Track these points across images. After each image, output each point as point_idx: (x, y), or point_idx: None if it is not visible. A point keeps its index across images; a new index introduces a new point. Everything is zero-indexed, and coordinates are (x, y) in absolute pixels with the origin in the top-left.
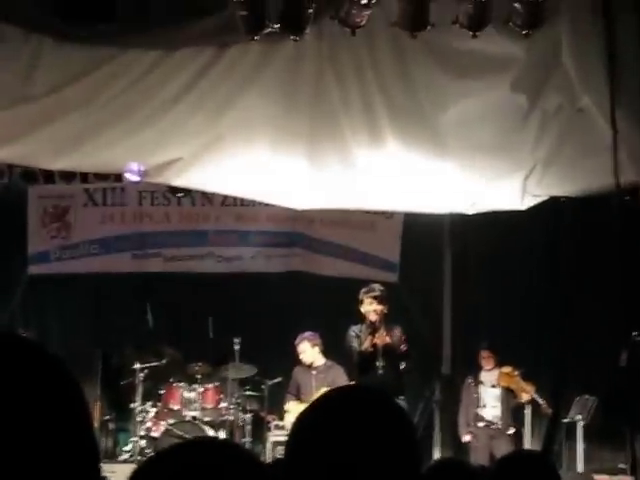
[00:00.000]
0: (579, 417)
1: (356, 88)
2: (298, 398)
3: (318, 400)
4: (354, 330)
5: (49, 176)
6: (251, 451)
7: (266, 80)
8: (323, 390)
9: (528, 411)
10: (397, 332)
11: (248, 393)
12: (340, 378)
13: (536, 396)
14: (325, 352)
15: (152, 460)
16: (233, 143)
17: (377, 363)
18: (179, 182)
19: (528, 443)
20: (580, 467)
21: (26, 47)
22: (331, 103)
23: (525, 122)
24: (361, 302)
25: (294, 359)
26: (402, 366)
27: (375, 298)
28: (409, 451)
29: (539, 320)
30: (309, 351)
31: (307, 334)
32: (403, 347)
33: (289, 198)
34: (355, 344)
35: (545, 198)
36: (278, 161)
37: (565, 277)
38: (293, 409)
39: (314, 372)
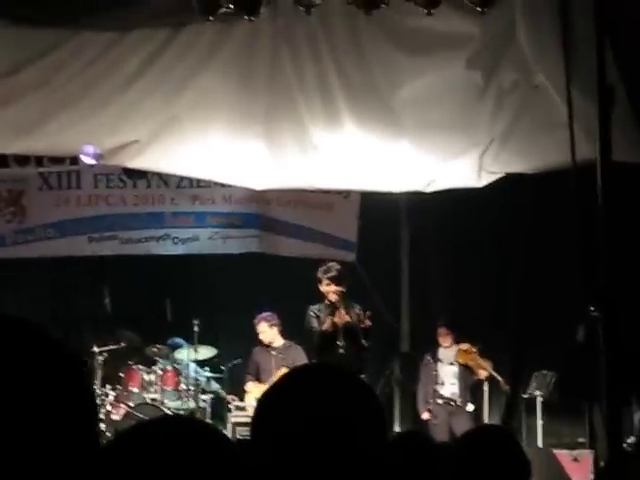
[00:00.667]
0: (538, 392)
1: (312, 67)
2: (257, 379)
3: (280, 379)
4: (313, 310)
5: (3, 160)
6: (217, 428)
7: (221, 61)
8: (283, 371)
9: (486, 388)
10: (357, 309)
11: (208, 374)
12: (300, 358)
13: (494, 373)
14: (284, 332)
15: (124, 436)
16: (189, 124)
17: (338, 342)
18: (135, 164)
19: (487, 419)
20: (539, 442)
21: None
22: (287, 83)
23: (481, 99)
24: (319, 282)
25: (254, 340)
26: (364, 342)
27: (332, 279)
28: (376, 422)
29: (497, 296)
30: (267, 331)
31: (265, 314)
32: (367, 322)
33: (246, 179)
34: (315, 324)
35: (502, 175)
36: (235, 141)
37: (522, 254)
38: (253, 390)
39: (273, 352)
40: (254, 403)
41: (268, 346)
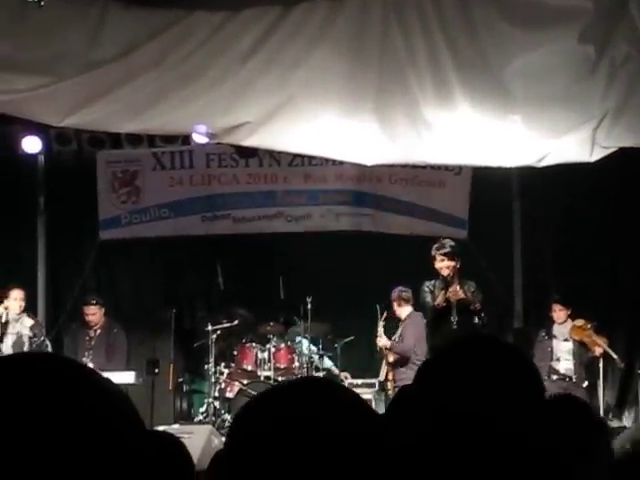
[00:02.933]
0: None
1: (422, 42)
2: None
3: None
4: (427, 286)
5: (116, 141)
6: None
7: (333, 37)
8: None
9: (601, 364)
10: (471, 287)
11: (321, 352)
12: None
13: (609, 349)
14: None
15: (257, 400)
16: (302, 103)
17: (451, 318)
18: (248, 143)
19: (601, 396)
20: None
21: (92, 10)
22: (398, 58)
23: (593, 73)
24: (433, 259)
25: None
26: (477, 321)
27: (446, 255)
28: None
29: (611, 272)
30: (401, 308)
31: (399, 289)
32: (477, 305)
33: (358, 155)
34: (429, 299)
35: (614, 149)
36: (347, 118)
37: (637, 229)
38: None
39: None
40: None
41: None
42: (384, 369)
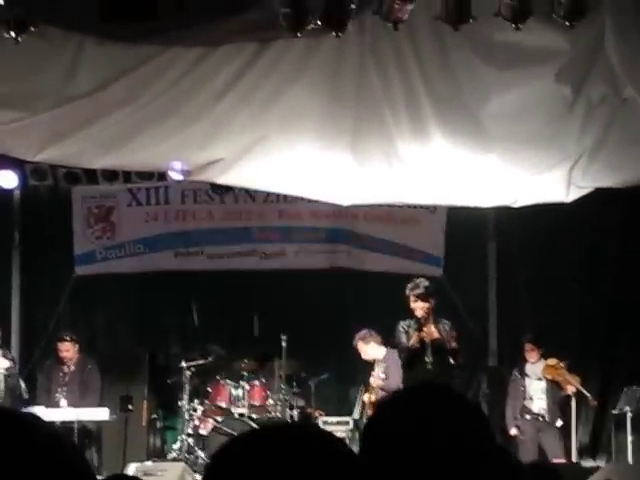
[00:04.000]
0: (627, 408)
1: (399, 82)
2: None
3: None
4: (403, 326)
5: (92, 177)
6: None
7: (309, 76)
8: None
9: (574, 403)
10: (446, 327)
11: (295, 390)
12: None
13: (581, 388)
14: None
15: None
16: (277, 140)
17: (426, 358)
18: (223, 180)
19: (574, 435)
20: (630, 458)
21: (68, 46)
22: (375, 97)
23: (569, 113)
24: (408, 298)
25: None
26: (451, 361)
27: (420, 295)
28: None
29: (585, 313)
30: (366, 349)
31: (359, 334)
32: (453, 344)
33: (334, 194)
34: (404, 339)
35: (591, 190)
36: (322, 157)
37: (611, 269)
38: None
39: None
40: None
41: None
42: (358, 407)
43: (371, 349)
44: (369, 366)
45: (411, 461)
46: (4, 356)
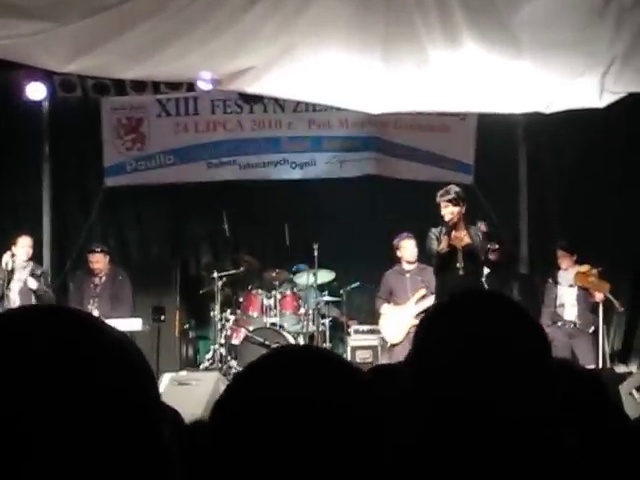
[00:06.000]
0: None
1: None
2: (391, 301)
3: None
4: (434, 232)
5: (121, 88)
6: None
7: None
8: (421, 292)
9: (602, 310)
10: (478, 231)
11: (326, 298)
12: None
13: (610, 295)
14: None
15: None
16: (307, 48)
17: (457, 264)
18: (252, 89)
19: (605, 341)
20: None
21: None
22: (405, 3)
23: (601, 17)
24: (438, 206)
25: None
26: (482, 267)
27: (450, 201)
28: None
29: (618, 219)
30: (413, 249)
31: (408, 233)
32: (492, 245)
33: (364, 102)
34: (434, 246)
35: (623, 95)
36: (352, 64)
37: None
38: (388, 312)
39: (408, 275)
40: (389, 324)
41: (401, 269)
42: None
43: (415, 253)
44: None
45: (461, 362)
46: (33, 274)
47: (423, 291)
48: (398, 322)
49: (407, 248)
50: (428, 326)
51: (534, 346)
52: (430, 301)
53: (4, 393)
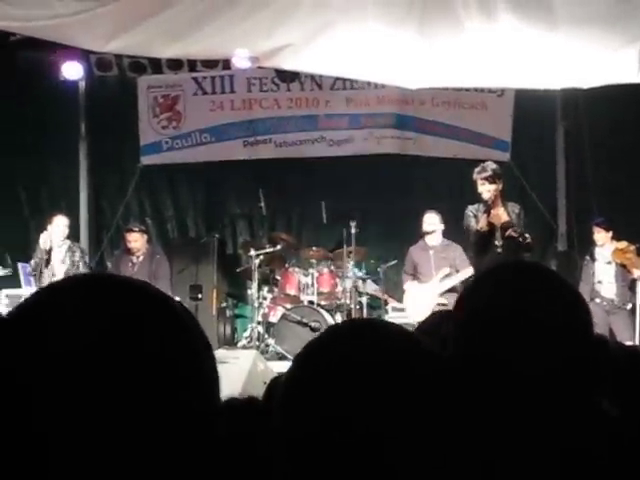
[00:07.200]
0: None
1: None
2: (416, 278)
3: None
4: (471, 210)
5: (157, 66)
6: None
7: None
8: (445, 270)
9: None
10: (515, 209)
11: (364, 276)
12: (460, 256)
13: None
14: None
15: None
16: (345, 25)
17: (495, 242)
18: (289, 66)
19: None
20: None
21: None
22: None
23: None
24: (475, 183)
25: (410, 241)
26: (521, 242)
27: (487, 178)
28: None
29: None
30: (436, 224)
31: (428, 209)
32: (528, 240)
33: (401, 78)
34: (472, 223)
35: None
36: (389, 40)
37: None
38: (411, 289)
39: (432, 251)
40: (412, 302)
41: (425, 244)
42: None
43: (439, 229)
44: None
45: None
46: (71, 249)
47: (447, 270)
48: (422, 300)
49: (425, 221)
50: (474, 288)
51: (575, 314)
52: (454, 280)
53: (69, 366)
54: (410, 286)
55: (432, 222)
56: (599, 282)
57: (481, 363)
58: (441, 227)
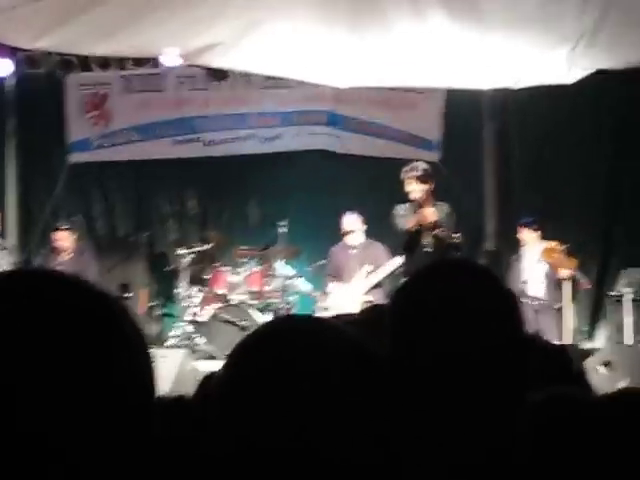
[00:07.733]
0: (626, 290)
1: None
2: (339, 278)
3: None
4: (400, 209)
5: (86, 64)
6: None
7: None
8: (366, 268)
9: (568, 287)
10: (445, 209)
11: (294, 274)
12: (381, 255)
13: (575, 272)
14: (367, 232)
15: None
16: (275, 24)
17: (424, 241)
18: (220, 64)
19: (567, 318)
20: (627, 339)
21: None
22: None
23: None
24: (403, 182)
25: (338, 241)
26: (450, 243)
27: (418, 178)
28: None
29: (583, 195)
30: (356, 225)
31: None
32: (456, 239)
33: (331, 77)
34: (401, 223)
35: (591, 71)
36: (320, 39)
37: (608, 151)
38: (334, 290)
39: (352, 251)
40: (337, 302)
41: (346, 244)
42: None
43: (360, 230)
44: None
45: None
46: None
47: (370, 267)
48: (347, 300)
49: (344, 222)
50: (404, 291)
51: (502, 304)
52: (380, 274)
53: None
54: (333, 288)
55: (351, 222)
56: (524, 282)
57: (417, 355)
58: (362, 227)
